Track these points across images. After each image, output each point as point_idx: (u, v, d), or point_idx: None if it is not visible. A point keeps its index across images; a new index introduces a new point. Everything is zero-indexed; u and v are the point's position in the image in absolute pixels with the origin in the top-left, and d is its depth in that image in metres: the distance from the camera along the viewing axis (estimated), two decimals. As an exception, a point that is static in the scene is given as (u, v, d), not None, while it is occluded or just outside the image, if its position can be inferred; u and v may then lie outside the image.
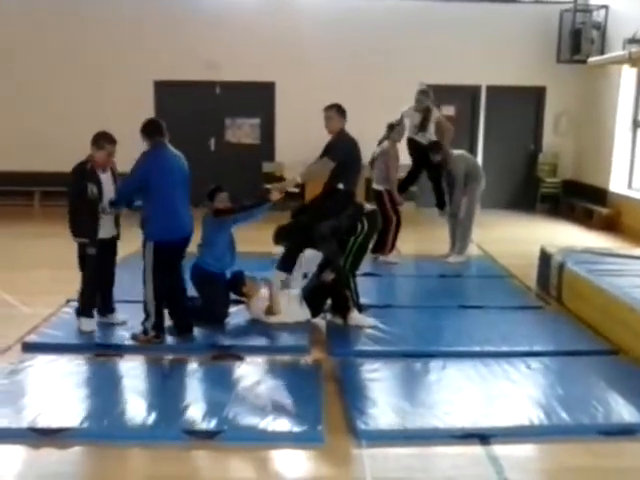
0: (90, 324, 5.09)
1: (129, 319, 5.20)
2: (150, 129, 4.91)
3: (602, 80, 10.76)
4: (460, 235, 7.51)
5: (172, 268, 4.93)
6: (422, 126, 7.57)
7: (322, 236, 5.19)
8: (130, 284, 5.29)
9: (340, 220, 5.24)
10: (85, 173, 4.90)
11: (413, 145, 7.77)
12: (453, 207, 7.43)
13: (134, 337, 4.94)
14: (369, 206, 5.74)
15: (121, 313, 5.30)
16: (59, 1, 11.13)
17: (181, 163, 4.92)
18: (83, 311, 5.10)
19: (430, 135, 7.61)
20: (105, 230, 5.00)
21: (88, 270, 5.00)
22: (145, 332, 4.91)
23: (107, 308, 5.26)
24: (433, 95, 7.76)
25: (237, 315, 5.54)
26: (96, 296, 5.15)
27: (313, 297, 5.46)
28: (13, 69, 11.15)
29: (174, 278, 4.97)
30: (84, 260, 4.98)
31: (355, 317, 5.36)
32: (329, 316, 5.55)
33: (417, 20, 11.16)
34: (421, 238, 8.80)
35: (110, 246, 5.13)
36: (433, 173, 7.71)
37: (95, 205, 4.87)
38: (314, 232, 5.20)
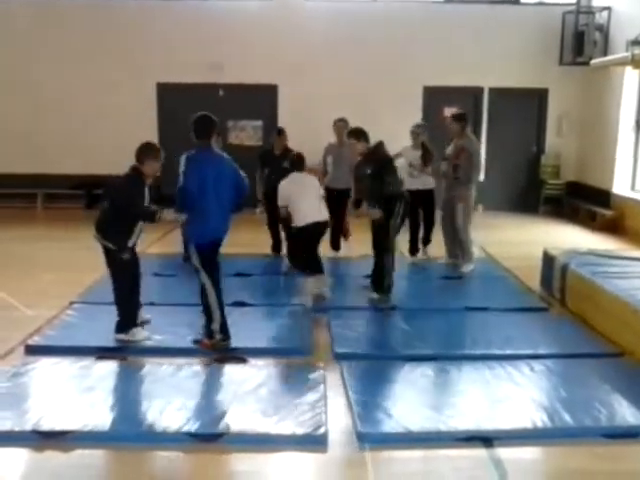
0: (141, 332, 5.00)
1: (152, 318, 5.26)
2: (197, 130, 4.82)
3: (605, 82, 10.75)
4: (464, 243, 7.34)
5: (216, 265, 4.93)
6: (425, 161, 7.39)
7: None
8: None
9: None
10: (141, 184, 4.83)
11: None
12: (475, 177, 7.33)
13: (197, 342, 4.91)
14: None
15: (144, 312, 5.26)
16: (61, 5, 11.15)
17: (221, 167, 4.87)
18: (130, 324, 4.97)
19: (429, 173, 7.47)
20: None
21: (122, 278, 4.91)
22: (210, 335, 4.87)
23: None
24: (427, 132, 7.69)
25: (240, 318, 5.54)
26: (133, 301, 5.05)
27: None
28: (15, 74, 11.17)
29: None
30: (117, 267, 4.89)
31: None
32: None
33: (420, 22, 11.15)
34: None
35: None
36: (429, 210, 7.68)
37: (150, 213, 4.79)
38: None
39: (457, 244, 7.42)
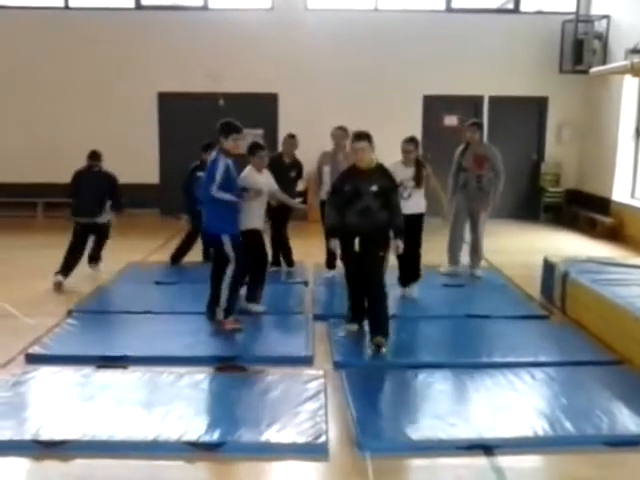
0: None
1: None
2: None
3: (604, 90, 10.78)
4: (481, 250, 7.46)
5: (215, 255, 5.64)
6: (417, 180, 6.34)
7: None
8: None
9: None
10: None
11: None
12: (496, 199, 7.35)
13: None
14: None
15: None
16: (63, 16, 11.21)
17: (208, 170, 5.61)
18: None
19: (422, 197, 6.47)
20: None
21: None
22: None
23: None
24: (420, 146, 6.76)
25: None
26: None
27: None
28: (17, 83, 11.23)
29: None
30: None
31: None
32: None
33: (420, 31, 11.21)
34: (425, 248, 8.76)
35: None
36: (416, 238, 6.39)
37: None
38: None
39: (459, 251, 7.52)
